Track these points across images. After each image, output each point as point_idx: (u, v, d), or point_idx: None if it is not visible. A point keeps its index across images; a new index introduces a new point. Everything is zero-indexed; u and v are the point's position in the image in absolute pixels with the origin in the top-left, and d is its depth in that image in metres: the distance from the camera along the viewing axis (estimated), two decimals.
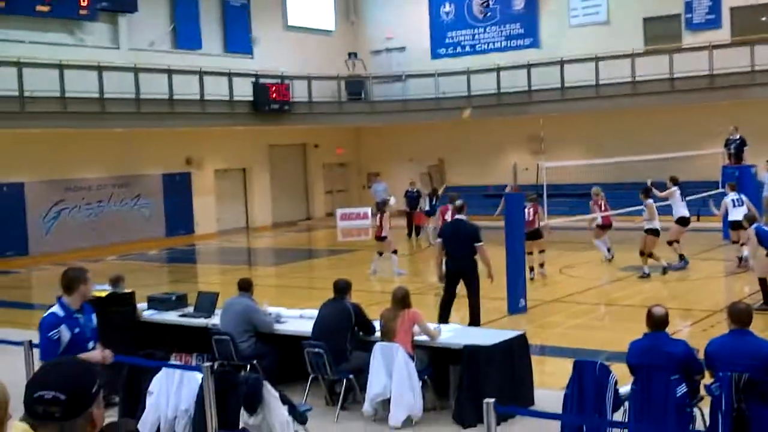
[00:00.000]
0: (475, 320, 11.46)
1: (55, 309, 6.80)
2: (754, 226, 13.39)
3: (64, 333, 6.69)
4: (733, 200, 17.24)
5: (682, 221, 17.56)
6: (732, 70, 25.93)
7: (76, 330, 6.78)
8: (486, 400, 5.86)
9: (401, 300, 8.93)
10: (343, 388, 9.05)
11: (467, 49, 33.32)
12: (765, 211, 23.11)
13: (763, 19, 27.47)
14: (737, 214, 16.21)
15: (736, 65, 25.87)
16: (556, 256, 18.81)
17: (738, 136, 23.27)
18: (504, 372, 8.55)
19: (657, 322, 7.05)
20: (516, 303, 13.48)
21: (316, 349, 8.99)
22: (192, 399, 7.42)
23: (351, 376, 9.00)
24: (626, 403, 7.07)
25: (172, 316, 10.68)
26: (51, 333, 6.66)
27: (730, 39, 27.57)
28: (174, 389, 7.63)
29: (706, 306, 13.59)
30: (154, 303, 11.03)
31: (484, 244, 11.65)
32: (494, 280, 11.86)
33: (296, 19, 33.38)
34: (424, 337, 8.94)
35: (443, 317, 11.41)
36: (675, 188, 17.59)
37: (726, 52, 26.60)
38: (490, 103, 30.38)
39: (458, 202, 12.68)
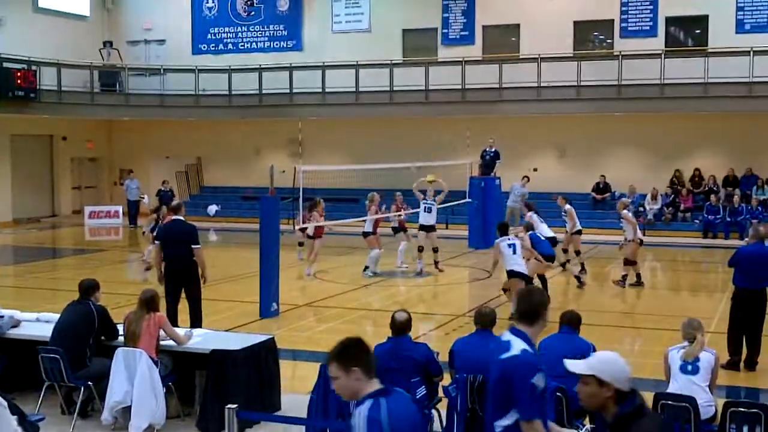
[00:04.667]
0: (196, 322, 11.20)
1: None
2: (530, 233, 14.60)
3: None
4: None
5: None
6: (482, 86, 27.35)
7: None
8: (228, 406, 5.68)
9: (147, 303, 8.54)
10: (81, 396, 8.51)
11: (230, 47, 32.87)
12: (507, 219, 24.56)
13: (513, 39, 29.21)
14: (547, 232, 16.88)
15: (486, 81, 27.31)
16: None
17: (494, 149, 24.58)
18: (251, 377, 8.41)
19: (399, 327, 7.23)
20: (268, 307, 13.34)
21: (52, 355, 8.40)
22: None
23: (90, 383, 8.47)
24: None
25: None
26: None
27: (482, 56, 29.08)
28: None
29: (450, 310, 14.11)
30: None
31: (201, 246, 11.42)
32: (206, 281, 11.61)
33: (48, 1, 31.39)
34: (170, 342, 8.59)
35: (172, 319, 11.00)
36: None
37: (477, 67, 28.04)
38: (251, 103, 30.16)
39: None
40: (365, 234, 18.11)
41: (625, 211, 16.61)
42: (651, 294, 16.30)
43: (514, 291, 12.74)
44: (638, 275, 16.52)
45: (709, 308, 14.19)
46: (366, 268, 17.86)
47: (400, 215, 19.47)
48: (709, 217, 25.54)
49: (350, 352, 4.22)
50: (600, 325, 12.46)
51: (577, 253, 18.22)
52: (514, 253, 13.35)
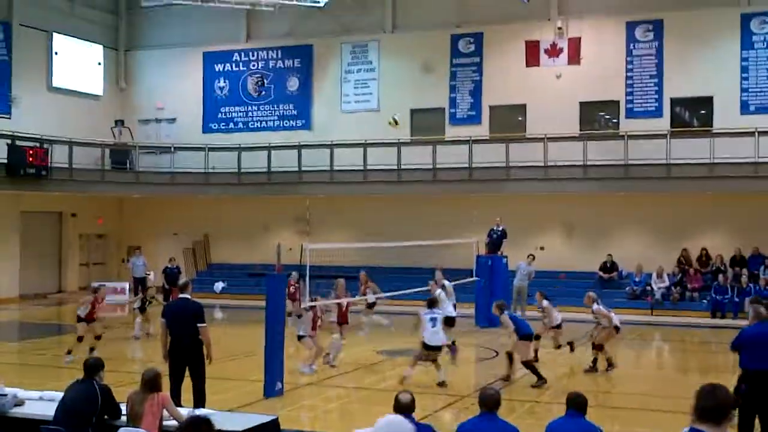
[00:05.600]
0: (199, 402, 11.08)
1: None
2: (508, 313, 14.72)
3: None
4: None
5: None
6: (489, 165, 27.55)
7: None
8: None
9: (150, 383, 8.48)
10: None
11: (240, 125, 33.35)
12: (514, 298, 24.50)
13: (520, 118, 29.55)
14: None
15: (493, 160, 27.52)
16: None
17: (501, 228, 24.65)
18: None
19: (403, 408, 7.15)
20: (273, 386, 13.21)
21: None
22: None
23: None
24: None
25: None
26: None
27: (489, 135, 29.38)
28: None
29: (455, 390, 13.96)
30: None
31: (207, 325, 11.38)
32: (212, 361, 11.51)
33: (61, 81, 32.03)
34: (173, 422, 8.50)
35: (175, 398, 10.89)
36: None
37: (484, 147, 28.29)
38: (260, 181, 30.42)
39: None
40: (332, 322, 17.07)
41: (595, 306, 16.10)
42: (657, 375, 16.11)
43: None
44: (608, 360, 15.96)
45: None
46: (327, 354, 16.38)
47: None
48: (718, 297, 25.38)
49: None
50: (605, 407, 12.31)
51: (559, 347, 17.50)
52: (434, 327, 14.12)
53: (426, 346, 14.20)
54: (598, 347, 16.03)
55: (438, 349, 14.25)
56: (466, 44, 30.33)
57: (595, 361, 16.02)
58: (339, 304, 17.13)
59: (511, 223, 25.41)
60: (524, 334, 14.83)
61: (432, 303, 14.78)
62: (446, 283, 18.35)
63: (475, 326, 22.26)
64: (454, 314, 17.48)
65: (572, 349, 17.15)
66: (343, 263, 22.03)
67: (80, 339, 17.35)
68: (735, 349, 10.58)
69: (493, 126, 29.83)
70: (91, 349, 17.30)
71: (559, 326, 17.36)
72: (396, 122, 19.76)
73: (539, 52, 29.32)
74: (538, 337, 16.25)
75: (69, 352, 16.96)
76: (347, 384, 15.09)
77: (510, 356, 15.05)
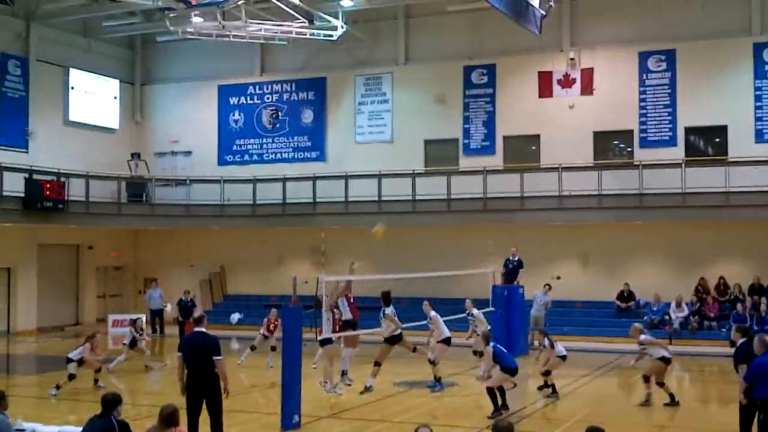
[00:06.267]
0: None
1: None
2: (493, 345, 15.15)
3: None
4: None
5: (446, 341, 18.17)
6: (504, 195, 27.57)
7: None
8: None
9: (167, 419, 8.49)
10: None
11: (254, 157, 33.55)
12: (531, 328, 24.41)
13: (533, 148, 29.60)
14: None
15: (507, 190, 27.53)
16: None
17: (517, 257, 24.63)
18: None
19: None
20: (290, 419, 13.18)
21: None
22: None
23: None
24: None
25: None
26: None
27: (503, 165, 29.42)
28: None
29: (472, 422, 13.89)
30: None
31: (223, 358, 11.39)
32: (229, 394, 11.50)
33: (78, 115, 32.36)
34: None
35: (193, 431, 10.89)
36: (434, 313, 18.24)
37: (498, 177, 28.32)
38: (275, 212, 30.55)
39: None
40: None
41: (642, 336, 15.99)
42: (681, 407, 15.94)
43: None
44: (670, 394, 15.86)
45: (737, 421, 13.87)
46: (344, 372, 16.67)
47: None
48: (737, 325, 25.13)
49: None
50: None
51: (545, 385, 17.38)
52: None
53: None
54: (646, 379, 15.78)
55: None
56: (479, 75, 30.48)
57: (648, 395, 15.67)
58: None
59: (527, 252, 25.36)
60: (505, 366, 14.96)
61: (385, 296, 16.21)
62: (475, 311, 19.47)
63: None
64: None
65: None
66: (359, 294, 22.05)
67: (72, 377, 17.37)
68: (748, 382, 10.56)
69: (507, 156, 29.89)
70: (96, 381, 17.43)
71: (563, 357, 17.11)
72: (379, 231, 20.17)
73: (552, 82, 29.43)
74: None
75: (57, 387, 16.95)
76: (365, 416, 15.04)
77: (501, 389, 14.92)
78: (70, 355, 17.65)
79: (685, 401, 16.40)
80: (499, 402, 14.64)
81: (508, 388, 15.22)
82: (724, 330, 25.49)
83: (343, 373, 16.69)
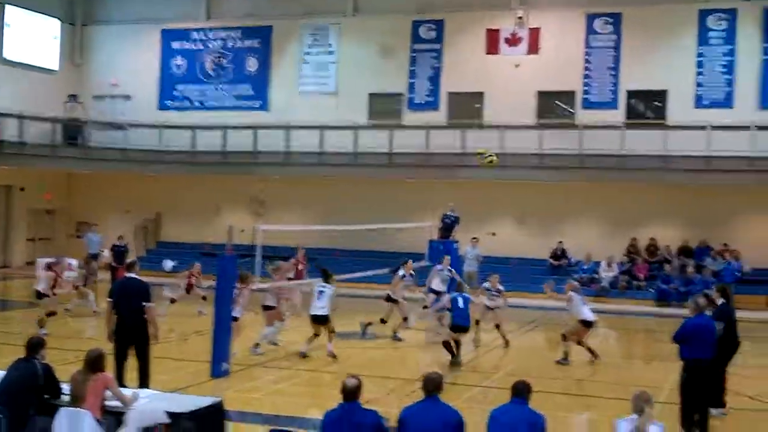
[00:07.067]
0: (144, 382, 11.03)
1: None
2: (453, 295, 15.43)
3: None
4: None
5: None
6: (446, 151, 27.62)
7: None
8: None
9: (93, 363, 8.41)
10: None
11: (195, 104, 33.02)
12: (466, 283, 24.63)
13: (477, 105, 29.63)
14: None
15: (449, 146, 27.58)
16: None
17: (454, 213, 24.75)
18: None
19: (349, 393, 7.17)
20: (219, 367, 13.16)
21: None
22: None
23: None
24: None
25: None
26: None
27: (446, 122, 29.44)
28: None
29: (403, 374, 14.03)
30: None
31: (153, 305, 11.33)
32: (158, 341, 11.46)
33: (14, 54, 31.41)
34: (116, 402, 8.43)
35: (119, 377, 10.81)
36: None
37: (441, 133, 28.35)
38: (215, 161, 30.21)
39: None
40: (266, 307, 16.34)
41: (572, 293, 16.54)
42: (603, 362, 16.30)
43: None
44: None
45: (661, 378, 14.26)
46: (257, 345, 15.91)
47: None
48: (664, 286, 25.79)
49: None
50: (549, 392, 12.46)
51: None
52: (318, 298, 15.21)
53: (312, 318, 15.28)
54: (564, 337, 15.99)
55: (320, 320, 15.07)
56: (427, 30, 30.31)
57: (566, 353, 15.84)
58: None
59: (466, 208, 25.52)
60: (455, 325, 15.31)
61: (324, 274, 15.67)
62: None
63: (426, 310, 22.32)
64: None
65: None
66: (297, 244, 22.03)
67: (52, 314, 17.08)
68: (677, 341, 10.80)
69: (451, 112, 29.91)
70: (41, 326, 17.10)
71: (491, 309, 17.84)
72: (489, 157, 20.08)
73: (499, 40, 29.41)
74: None
75: (42, 326, 16.73)
76: (295, 366, 15.10)
77: (457, 342, 15.23)
78: (38, 289, 17.30)
79: (609, 358, 16.77)
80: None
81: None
82: (651, 290, 26.12)
83: (256, 345, 16.00)
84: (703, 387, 10.46)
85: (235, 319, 14.79)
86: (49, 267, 18.03)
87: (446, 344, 15.28)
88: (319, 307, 15.15)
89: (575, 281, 17.74)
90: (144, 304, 11.23)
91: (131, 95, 33.58)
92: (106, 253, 27.86)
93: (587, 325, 15.95)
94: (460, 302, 15.40)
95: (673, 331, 11.01)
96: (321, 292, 15.27)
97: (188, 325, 18.84)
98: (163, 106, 33.29)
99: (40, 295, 17.43)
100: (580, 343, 15.98)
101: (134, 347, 11.31)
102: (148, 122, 31.37)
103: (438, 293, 19.59)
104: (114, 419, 8.43)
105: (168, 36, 33.51)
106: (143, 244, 32.66)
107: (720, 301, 11.79)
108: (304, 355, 15.19)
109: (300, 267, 21.05)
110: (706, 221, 26.74)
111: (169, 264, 24.69)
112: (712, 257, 26.16)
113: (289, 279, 19.58)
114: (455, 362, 15.09)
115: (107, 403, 8.39)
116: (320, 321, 15.25)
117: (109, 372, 8.82)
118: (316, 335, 15.31)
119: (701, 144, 25.26)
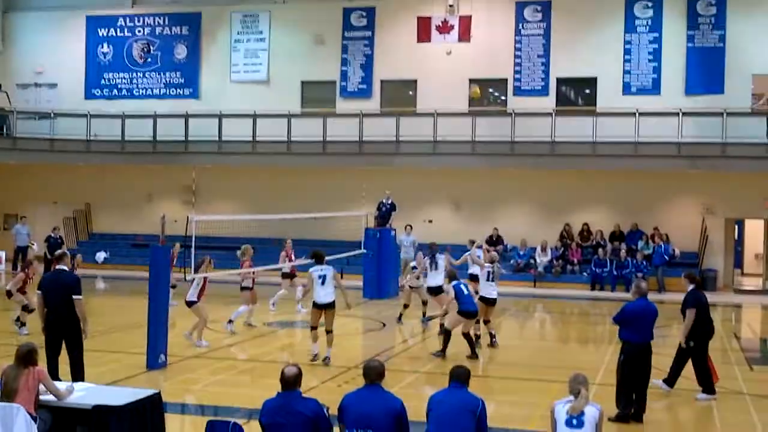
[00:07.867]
0: (77, 375, 10.81)
1: None
2: (454, 283, 14.68)
3: None
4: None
5: None
6: (380, 139, 27.64)
7: None
8: None
9: (25, 357, 8.19)
10: None
11: (124, 92, 32.40)
12: (401, 271, 24.72)
13: (410, 93, 29.70)
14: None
15: (383, 134, 27.61)
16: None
17: (390, 201, 24.78)
18: None
19: (288, 381, 7.11)
20: (156, 358, 12.96)
21: None
22: None
23: None
24: None
25: None
26: None
27: (379, 109, 29.44)
28: None
29: (342, 362, 14.02)
30: None
31: (82, 298, 11.09)
32: (87, 336, 11.22)
33: None
34: (50, 397, 8.23)
35: (52, 371, 10.56)
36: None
37: (375, 120, 28.35)
38: (145, 150, 29.72)
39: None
40: (243, 288, 17.43)
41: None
42: (539, 345, 16.55)
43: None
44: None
45: (596, 360, 14.51)
46: (230, 321, 16.76)
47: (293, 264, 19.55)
48: (597, 270, 26.29)
49: None
50: (488, 377, 12.56)
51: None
52: (323, 284, 13.65)
53: (315, 305, 13.74)
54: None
55: (327, 307, 13.70)
56: (358, 17, 30.22)
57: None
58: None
59: (401, 196, 25.59)
60: (464, 310, 14.49)
61: (317, 257, 14.25)
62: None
63: (362, 298, 22.37)
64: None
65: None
66: (230, 234, 21.81)
67: (31, 310, 16.51)
68: (617, 323, 11.00)
69: (384, 100, 29.93)
70: (20, 321, 16.45)
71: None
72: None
73: (431, 28, 29.49)
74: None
75: (23, 325, 16.25)
76: (234, 356, 14.95)
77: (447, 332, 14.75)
78: (8, 288, 16.73)
79: (545, 341, 17.01)
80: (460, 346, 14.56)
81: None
82: (585, 274, 26.60)
83: (230, 321, 16.81)
84: (640, 367, 10.68)
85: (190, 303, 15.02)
86: (22, 269, 17.52)
87: (446, 333, 14.64)
88: (325, 294, 13.72)
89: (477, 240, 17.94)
90: (73, 297, 10.99)
91: (57, 83, 32.79)
92: (36, 246, 27.26)
93: (488, 303, 15.69)
94: (464, 289, 14.91)
95: (614, 313, 11.21)
96: (322, 276, 13.77)
97: (126, 316, 18.50)
98: (90, 95, 32.58)
99: (10, 294, 16.86)
100: (487, 322, 15.80)
101: (66, 340, 11.06)
102: (75, 111, 30.65)
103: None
104: (48, 414, 8.24)
105: (93, 23, 32.78)
106: (74, 236, 31.95)
107: (690, 287, 12.02)
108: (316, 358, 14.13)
109: (289, 259, 20.44)
110: (636, 206, 27.30)
111: (101, 256, 24.29)
112: (643, 241, 26.71)
113: (284, 274, 19.76)
114: (473, 356, 14.39)
115: (41, 397, 8.20)
116: (327, 308, 13.81)
117: (43, 366, 8.59)
118: (314, 328, 14.01)
119: (630, 130, 25.74)
